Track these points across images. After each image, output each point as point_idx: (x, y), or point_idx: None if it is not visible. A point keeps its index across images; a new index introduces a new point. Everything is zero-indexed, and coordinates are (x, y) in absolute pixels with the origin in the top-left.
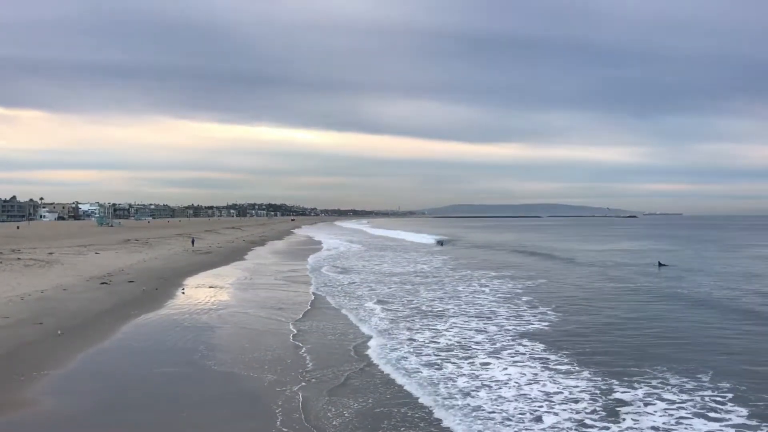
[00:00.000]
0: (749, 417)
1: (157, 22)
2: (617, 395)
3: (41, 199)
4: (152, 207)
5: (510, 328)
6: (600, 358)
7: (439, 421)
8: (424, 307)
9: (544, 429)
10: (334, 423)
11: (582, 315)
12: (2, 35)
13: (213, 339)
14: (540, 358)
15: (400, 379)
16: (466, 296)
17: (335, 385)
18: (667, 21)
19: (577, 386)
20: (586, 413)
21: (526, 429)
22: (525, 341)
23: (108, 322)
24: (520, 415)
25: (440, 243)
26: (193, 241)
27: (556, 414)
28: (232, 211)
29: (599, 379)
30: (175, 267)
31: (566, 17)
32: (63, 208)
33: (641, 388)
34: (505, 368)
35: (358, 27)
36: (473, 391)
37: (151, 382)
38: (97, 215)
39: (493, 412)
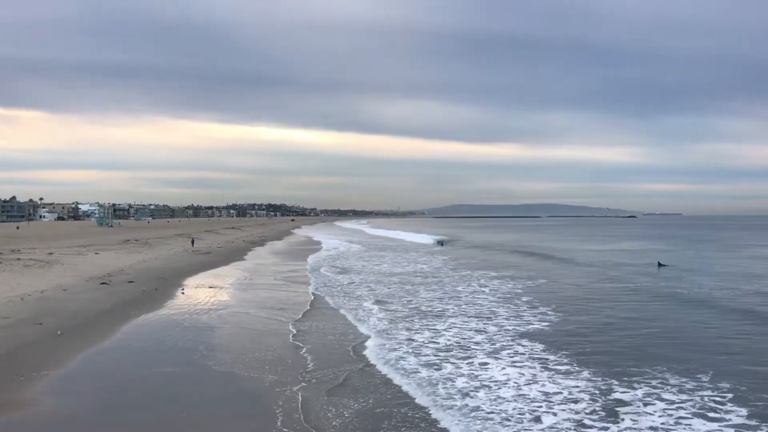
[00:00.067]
0: (749, 417)
1: (157, 22)
2: (617, 395)
3: (41, 199)
4: (152, 207)
5: (510, 328)
6: (599, 358)
7: (438, 421)
8: (423, 308)
9: (543, 429)
10: (334, 423)
11: (582, 315)
12: (2, 35)
13: (213, 339)
14: (539, 359)
15: (399, 380)
16: (465, 296)
17: (335, 385)
18: (667, 21)
19: (576, 386)
20: (586, 413)
21: (525, 429)
22: (524, 341)
23: (108, 322)
24: (519, 416)
25: (440, 243)
26: (192, 242)
27: (555, 414)
28: (231, 211)
29: (599, 379)
30: (175, 267)
31: (566, 17)
32: (63, 208)
33: (641, 388)
34: (505, 368)
35: (358, 27)
36: (472, 391)
37: (151, 382)
38: (97, 215)
39: (492, 413)
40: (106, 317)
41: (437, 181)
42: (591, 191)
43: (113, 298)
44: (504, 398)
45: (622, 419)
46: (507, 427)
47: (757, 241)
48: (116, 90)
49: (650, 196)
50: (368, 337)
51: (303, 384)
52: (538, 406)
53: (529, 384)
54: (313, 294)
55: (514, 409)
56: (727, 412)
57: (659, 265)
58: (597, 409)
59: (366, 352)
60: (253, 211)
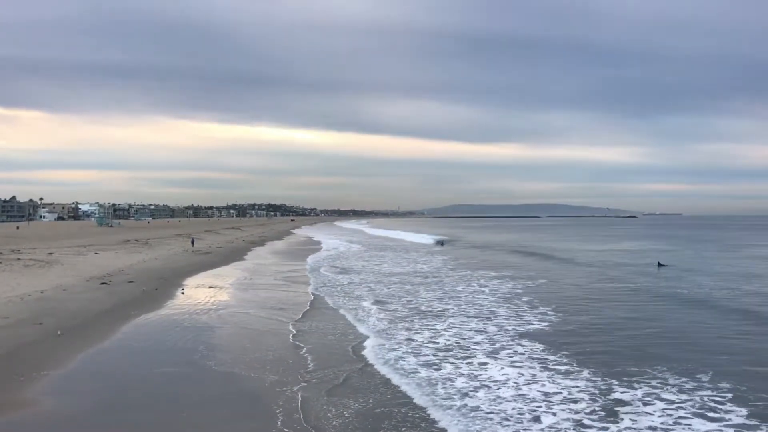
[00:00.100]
0: (749, 417)
1: (157, 22)
2: (616, 395)
3: (41, 199)
4: (152, 207)
5: (509, 328)
6: (599, 358)
7: (437, 421)
8: (423, 308)
9: (542, 429)
10: (334, 423)
11: (582, 315)
12: (2, 35)
13: (213, 339)
14: (539, 359)
15: (398, 380)
16: (465, 296)
17: (334, 385)
18: (667, 21)
19: (576, 386)
20: (585, 413)
21: (524, 429)
22: (524, 341)
23: (108, 322)
24: (518, 416)
25: (440, 243)
26: (192, 242)
27: (554, 414)
28: (231, 211)
29: (598, 379)
30: (175, 267)
31: (566, 17)
32: (63, 208)
33: (640, 388)
34: (504, 368)
35: (358, 27)
36: (471, 391)
37: (151, 382)
38: (97, 215)
39: (492, 413)
40: (106, 317)
41: (437, 181)
42: (591, 191)
43: (113, 298)
44: (503, 398)
45: (622, 419)
46: (506, 427)
47: (757, 241)
48: (116, 90)
49: (650, 196)
50: (368, 337)
51: (303, 384)
52: (537, 406)
53: (529, 384)
54: (312, 294)
55: (513, 409)
56: (727, 412)
57: (659, 265)
58: (596, 409)
59: (365, 352)
60: (253, 211)
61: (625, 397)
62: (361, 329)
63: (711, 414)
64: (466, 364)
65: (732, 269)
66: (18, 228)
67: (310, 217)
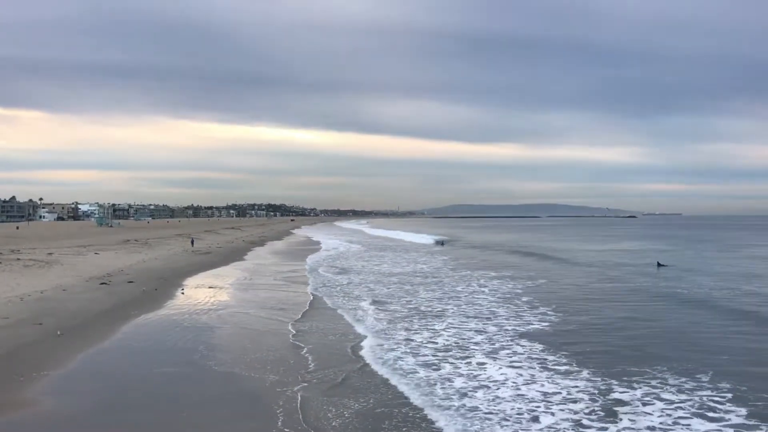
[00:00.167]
0: (748, 417)
1: (157, 22)
2: (616, 395)
3: (41, 199)
4: (152, 207)
5: (509, 328)
6: (599, 358)
7: (435, 421)
8: (422, 308)
9: (541, 429)
10: (334, 424)
11: (581, 315)
12: (2, 35)
13: (213, 339)
14: (538, 359)
15: (397, 380)
16: (465, 296)
17: (334, 385)
18: (667, 21)
19: (575, 386)
20: (584, 413)
21: (523, 429)
22: (524, 341)
23: (108, 322)
24: (517, 416)
25: (440, 243)
26: (192, 242)
27: (553, 414)
28: (231, 211)
29: (598, 379)
30: (175, 267)
31: (566, 17)
32: (62, 208)
33: (640, 388)
34: (503, 369)
35: (358, 27)
36: (470, 391)
37: (151, 382)
38: (97, 215)
39: (490, 413)
40: (106, 317)
41: (437, 181)
42: (591, 191)
43: (113, 298)
44: (502, 398)
45: (621, 419)
46: (505, 427)
47: (756, 241)
48: (116, 90)
49: (650, 196)
50: (367, 337)
51: (303, 384)
52: (536, 406)
53: (528, 384)
54: (312, 294)
55: (512, 409)
56: (727, 412)
57: (659, 265)
58: (596, 409)
59: (364, 353)
60: (253, 211)
61: (625, 397)
62: (360, 329)
63: (710, 414)
64: (465, 364)
65: (732, 269)
66: (18, 228)
67: (309, 217)
